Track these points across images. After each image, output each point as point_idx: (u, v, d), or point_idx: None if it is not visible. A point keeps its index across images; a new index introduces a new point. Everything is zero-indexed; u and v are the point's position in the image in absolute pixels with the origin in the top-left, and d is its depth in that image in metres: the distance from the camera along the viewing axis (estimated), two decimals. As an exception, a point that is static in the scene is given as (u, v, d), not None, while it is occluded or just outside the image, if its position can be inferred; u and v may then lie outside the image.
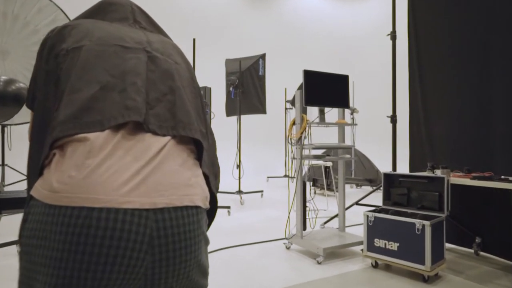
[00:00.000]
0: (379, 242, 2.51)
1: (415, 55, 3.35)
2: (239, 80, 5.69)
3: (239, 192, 5.53)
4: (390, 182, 2.81)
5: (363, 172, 6.91)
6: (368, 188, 6.87)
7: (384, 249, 2.48)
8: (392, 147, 3.51)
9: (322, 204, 5.14)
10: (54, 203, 0.61)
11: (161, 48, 0.88)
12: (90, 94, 0.71)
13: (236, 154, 5.80)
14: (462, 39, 2.95)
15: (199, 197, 0.75)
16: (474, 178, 2.37)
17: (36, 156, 0.77)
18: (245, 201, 5.46)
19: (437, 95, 3.13)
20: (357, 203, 3.51)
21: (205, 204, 0.77)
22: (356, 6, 10.91)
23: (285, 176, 8.13)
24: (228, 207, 4.45)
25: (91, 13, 0.94)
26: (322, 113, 3.03)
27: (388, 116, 3.45)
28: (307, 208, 3.92)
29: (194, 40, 4.35)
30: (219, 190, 6.43)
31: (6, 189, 5.80)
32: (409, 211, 2.63)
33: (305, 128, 2.86)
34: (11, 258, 2.72)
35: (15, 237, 3.25)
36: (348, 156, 3.00)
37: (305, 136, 2.88)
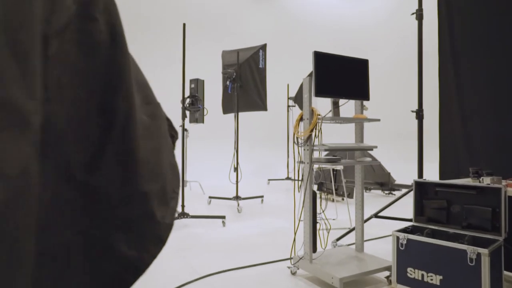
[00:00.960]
0: (414, 273, 1.93)
1: (447, 40, 2.76)
2: (236, 73, 5.11)
3: (237, 198, 4.95)
4: (423, 193, 2.23)
5: (372, 174, 6.32)
6: (379, 193, 6.28)
7: (421, 282, 1.89)
8: (418, 148, 2.92)
9: (331, 212, 4.55)
10: None
11: None
12: None
13: (234, 155, 5.21)
14: None
15: None
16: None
17: None
18: (243, 208, 4.88)
19: (478, 88, 2.55)
20: (376, 216, 2.93)
21: None
22: (362, -2, 10.32)
23: (287, 178, 7.55)
24: (223, 217, 3.87)
25: None
26: (336, 106, 2.45)
27: (413, 111, 2.89)
28: (318, 225, 3.34)
29: (184, 25, 3.77)
30: (215, 196, 5.86)
31: None
32: (451, 231, 2.04)
33: (316, 125, 2.28)
34: None
35: None
36: (368, 159, 2.41)
37: (315, 135, 2.30)
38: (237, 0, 9.15)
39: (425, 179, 2.20)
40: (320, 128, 2.28)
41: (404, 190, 6.41)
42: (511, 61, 2.37)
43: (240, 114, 8.80)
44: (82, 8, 0.59)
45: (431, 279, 1.85)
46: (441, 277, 1.82)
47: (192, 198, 5.68)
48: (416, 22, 3.00)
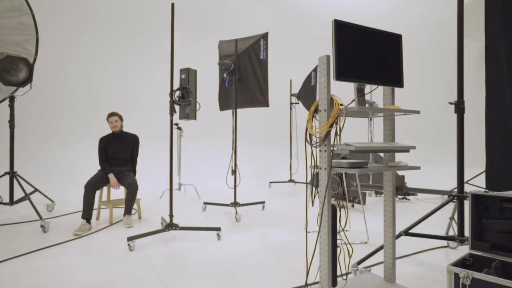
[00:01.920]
0: (481, 326, 1.36)
1: (499, 17, 2.19)
2: (234, 64, 4.55)
3: (235, 204, 4.39)
4: (483, 209, 1.66)
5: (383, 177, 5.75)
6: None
7: None
8: (458, 149, 2.35)
9: (341, 222, 3.99)
10: None
11: None
12: None
13: (232, 156, 4.65)
14: None
15: None
16: None
17: None
18: (241, 216, 4.31)
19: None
20: (406, 233, 2.36)
21: None
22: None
23: (290, 181, 6.98)
24: (218, 229, 3.30)
25: None
26: (361, 94, 1.88)
27: (451, 103, 2.33)
28: (339, 249, 2.77)
29: (172, 5, 3.21)
30: (210, 202, 5.30)
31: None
32: (528, 264, 1.47)
33: (337, 118, 1.71)
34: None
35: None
36: (404, 163, 1.84)
37: (336, 132, 1.73)
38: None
39: (486, 191, 1.63)
40: (344, 122, 1.72)
41: (420, 196, 5.83)
42: None
43: (239, 111, 8.22)
44: None
45: (510, 338, 1.29)
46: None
47: (186, 203, 5.12)
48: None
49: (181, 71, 3.59)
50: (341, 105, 1.73)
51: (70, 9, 6.57)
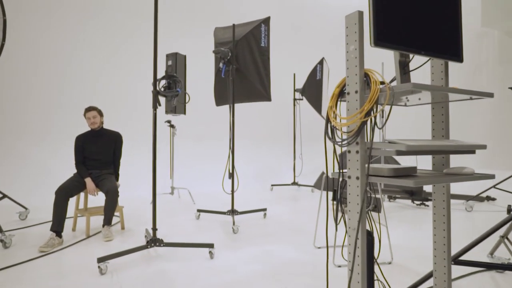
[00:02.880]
0: None
1: None
2: (232, 52, 3.98)
3: (232, 212, 3.83)
4: None
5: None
6: (407, 202, 5.13)
7: None
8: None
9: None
10: None
11: None
12: None
13: (229, 157, 4.09)
14: None
15: None
16: None
17: None
18: (239, 226, 3.75)
19: None
20: (455, 261, 1.79)
21: None
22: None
23: (294, 183, 6.42)
24: (211, 246, 2.74)
25: None
26: (406, 70, 1.32)
27: (511, 88, 1.78)
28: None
29: (156, -24, 2.65)
30: (205, 210, 4.73)
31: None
32: None
33: (376, 103, 1.15)
34: None
35: None
36: (470, 170, 1.28)
37: (375, 123, 1.16)
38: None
39: None
40: (389, 110, 1.15)
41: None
42: None
43: (237, 106, 7.65)
44: None
45: None
46: None
47: (178, 210, 4.56)
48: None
49: (168, 56, 3.03)
50: (382, 83, 1.17)
51: (54, -4, 6.01)
